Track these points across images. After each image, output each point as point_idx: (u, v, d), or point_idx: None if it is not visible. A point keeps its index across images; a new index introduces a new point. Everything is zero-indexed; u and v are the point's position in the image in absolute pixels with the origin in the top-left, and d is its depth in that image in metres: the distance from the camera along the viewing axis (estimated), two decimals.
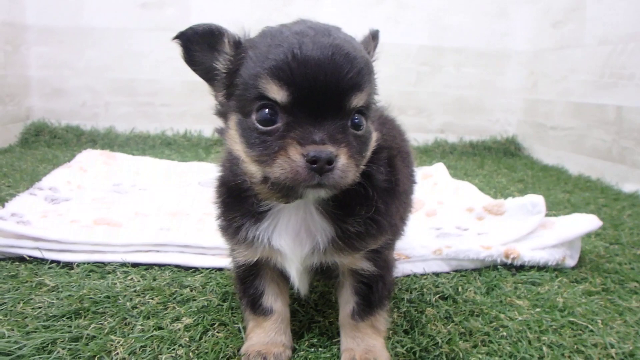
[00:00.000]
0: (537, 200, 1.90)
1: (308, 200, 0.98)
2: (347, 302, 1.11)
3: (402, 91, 4.26)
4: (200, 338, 1.16)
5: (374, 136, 0.99)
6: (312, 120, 0.85)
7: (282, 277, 1.14)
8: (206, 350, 1.10)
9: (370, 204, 0.99)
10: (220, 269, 1.57)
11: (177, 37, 0.98)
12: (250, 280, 1.13)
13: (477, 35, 4.28)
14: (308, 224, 1.01)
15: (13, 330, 1.14)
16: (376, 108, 1.06)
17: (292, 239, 1.02)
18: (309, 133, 0.84)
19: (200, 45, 0.98)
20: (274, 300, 1.13)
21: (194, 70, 1.02)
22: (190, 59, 1.00)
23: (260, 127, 0.88)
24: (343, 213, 1.00)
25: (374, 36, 1.07)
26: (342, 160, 0.85)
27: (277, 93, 0.85)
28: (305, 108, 0.85)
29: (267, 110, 0.87)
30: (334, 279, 1.12)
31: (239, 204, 1.03)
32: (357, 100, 0.88)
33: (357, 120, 0.90)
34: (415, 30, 4.24)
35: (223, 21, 1.03)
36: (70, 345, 1.09)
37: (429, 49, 4.27)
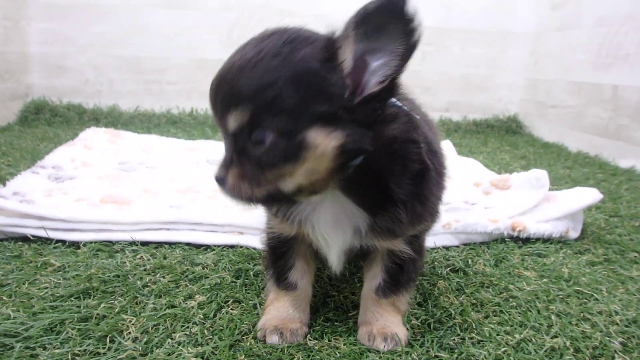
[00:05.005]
0: (540, 175, 1.93)
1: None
2: (374, 277, 1.11)
3: (408, 70, 4.25)
4: (215, 315, 1.15)
5: (313, 150, 0.85)
6: (226, 140, 0.92)
7: (313, 254, 1.14)
8: (221, 327, 1.10)
9: (398, 210, 0.97)
10: (232, 246, 1.56)
11: None
12: (281, 252, 1.12)
13: (481, 15, 4.29)
14: (346, 210, 1.00)
15: (19, 311, 1.11)
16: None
17: (333, 225, 1.01)
18: (225, 152, 0.93)
19: None
20: (300, 277, 1.13)
21: None
22: None
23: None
24: (373, 211, 0.98)
25: (355, 26, 0.82)
26: (229, 181, 0.90)
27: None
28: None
29: None
30: (368, 256, 1.13)
31: None
32: (232, 122, 0.86)
33: (255, 138, 0.86)
34: (421, 10, 4.21)
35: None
36: (79, 325, 1.07)
37: (434, 29, 4.26)
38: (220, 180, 0.92)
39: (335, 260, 1.08)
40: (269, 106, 0.83)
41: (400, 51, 0.83)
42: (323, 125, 0.84)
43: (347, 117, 0.85)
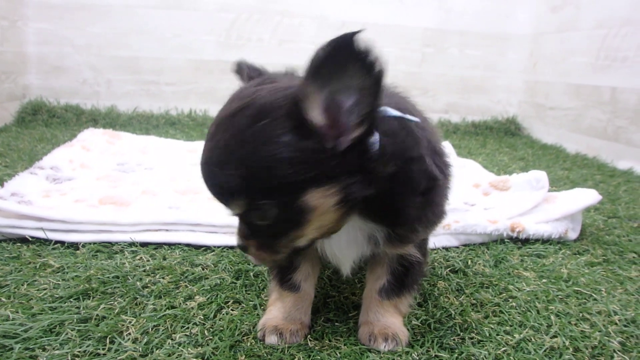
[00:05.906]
0: (540, 176, 1.94)
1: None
2: (378, 277, 1.12)
3: (407, 72, 4.29)
4: (215, 316, 1.15)
5: (314, 212, 0.86)
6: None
7: (319, 257, 1.14)
8: (221, 328, 1.09)
9: (413, 224, 0.99)
10: (231, 247, 1.56)
11: None
12: None
13: (480, 18, 4.32)
14: (361, 226, 1.00)
15: (18, 312, 1.11)
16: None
17: (346, 243, 1.03)
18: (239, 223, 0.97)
19: None
20: (304, 279, 1.13)
21: None
22: None
23: None
24: (389, 225, 0.98)
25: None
26: (252, 251, 0.96)
27: None
28: None
29: None
30: (373, 258, 1.13)
31: None
32: (234, 209, 0.89)
33: (259, 217, 0.89)
34: (420, 12, 4.25)
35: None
36: (79, 326, 1.07)
37: (433, 31, 4.29)
38: (244, 247, 0.97)
39: (347, 268, 1.10)
40: (259, 192, 0.85)
41: (368, 86, 0.78)
42: (317, 188, 0.84)
43: (338, 171, 0.84)
